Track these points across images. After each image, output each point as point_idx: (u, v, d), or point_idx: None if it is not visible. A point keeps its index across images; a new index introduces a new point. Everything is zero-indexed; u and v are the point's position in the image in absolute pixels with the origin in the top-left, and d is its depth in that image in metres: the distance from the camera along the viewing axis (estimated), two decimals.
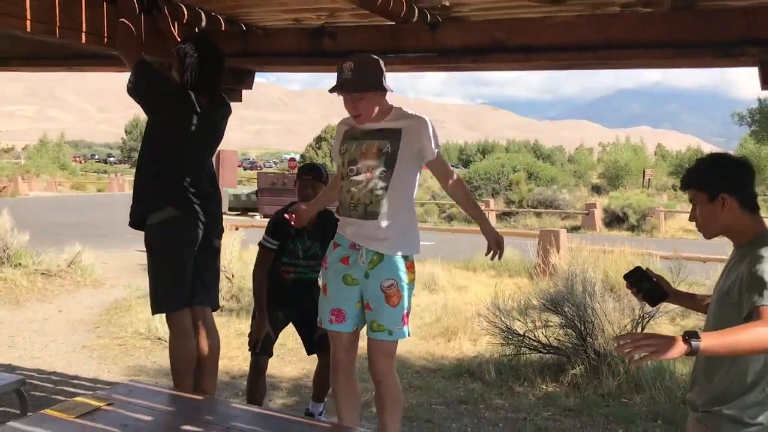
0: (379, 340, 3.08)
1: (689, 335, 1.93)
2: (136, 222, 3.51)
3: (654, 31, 3.03)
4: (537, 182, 30.94)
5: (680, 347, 1.91)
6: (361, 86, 2.98)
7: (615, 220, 23.66)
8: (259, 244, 4.13)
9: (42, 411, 2.82)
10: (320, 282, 3.35)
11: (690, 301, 2.62)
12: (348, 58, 3.03)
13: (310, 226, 3.82)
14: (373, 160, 3.01)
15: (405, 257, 3.11)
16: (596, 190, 38.52)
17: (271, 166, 71.36)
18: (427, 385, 5.58)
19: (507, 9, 3.48)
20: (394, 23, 3.57)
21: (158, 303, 3.49)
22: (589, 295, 5.79)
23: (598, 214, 23.03)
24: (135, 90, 3.39)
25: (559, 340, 5.94)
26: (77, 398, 2.94)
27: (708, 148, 49.90)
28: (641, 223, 22.92)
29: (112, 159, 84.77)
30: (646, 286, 2.50)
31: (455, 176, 3.26)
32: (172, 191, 3.40)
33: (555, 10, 3.39)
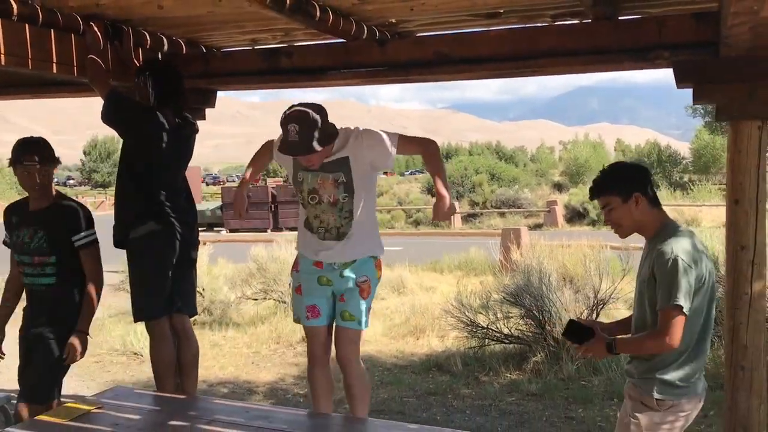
0: (350, 329, 3.35)
1: (609, 346, 2.62)
2: (119, 241, 3.73)
3: (578, 40, 3.35)
4: (500, 183, 31.52)
5: (605, 353, 2.68)
6: (311, 147, 3.07)
7: (576, 216, 24.24)
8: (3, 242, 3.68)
9: (35, 417, 3.03)
10: (292, 285, 3.59)
11: (624, 327, 2.91)
12: (290, 118, 3.08)
13: (40, 206, 3.47)
14: (332, 189, 3.25)
15: (374, 257, 3.42)
16: (558, 188, 39.26)
17: (234, 180, 71.06)
18: (397, 380, 5.86)
19: (449, 23, 3.78)
20: (345, 41, 3.84)
21: (140, 311, 3.70)
22: (546, 286, 6.12)
23: (560, 211, 23.61)
24: (108, 117, 3.62)
25: (520, 330, 6.28)
26: (67, 404, 3.15)
27: (665, 141, 51.15)
28: (601, 217, 23.52)
29: (71, 182, 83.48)
30: (580, 334, 2.76)
31: (426, 145, 3.33)
32: (151, 207, 3.63)
33: (491, 23, 3.70)
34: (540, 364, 5.85)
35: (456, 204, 26.69)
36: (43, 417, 2.99)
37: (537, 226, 22.60)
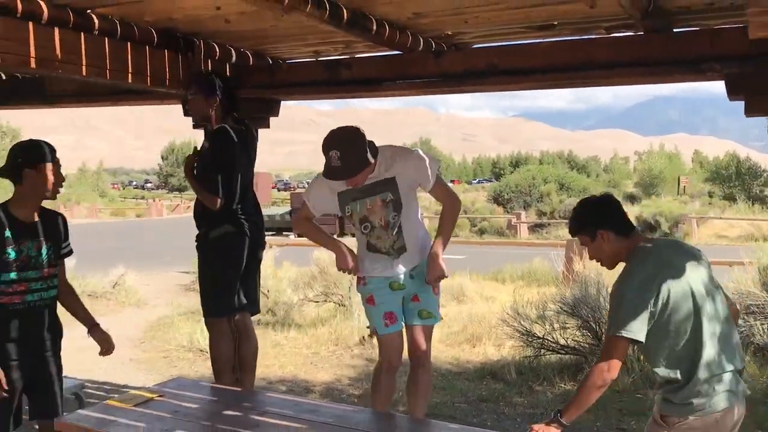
0: (429, 326, 3.56)
1: (555, 415, 2.56)
2: (199, 239, 3.99)
3: (630, 52, 3.40)
4: (569, 193, 31.09)
5: (553, 429, 2.53)
6: (353, 171, 3.22)
7: (647, 228, 23.68)
8: None
9: (104, 402, 3.27)
10: (362, 298, 3.71)
11: None
12: (331, 144, 3.20)
13: (36, 219, 3.13)
14: (382, 211, 3.41)
15: None
16: (630, 199, 38.43)
17: (304, 186, 72.40)
18: (450, 386, 5.93)
19: (504, 35, 3.88)
20: (402, 52, 3.98)
21: (212, 308, 3.92)
22: (604, 298, 6.08)
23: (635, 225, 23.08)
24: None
25: (576, 341, 6.25)
26: (133, 391, 3.38)
27: (746, 153, 49.26)
28: (673, 230, 22.93)
29: (149, 185, 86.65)
30: None
31: (454, 198, 3.54)
32: (227, 210, 3.89)
33: (545, 35, 3.77)
34: None
35: (522, 213, 26.47)
36: (111, 402, 3.23)
37: None
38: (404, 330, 3.61)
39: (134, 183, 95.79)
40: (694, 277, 2.56)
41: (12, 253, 3.01)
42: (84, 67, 3.53)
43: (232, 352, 3.96)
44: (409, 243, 3.46)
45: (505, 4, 3.26)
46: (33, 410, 3.28)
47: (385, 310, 3.51)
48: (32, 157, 3.04)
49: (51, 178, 3.06)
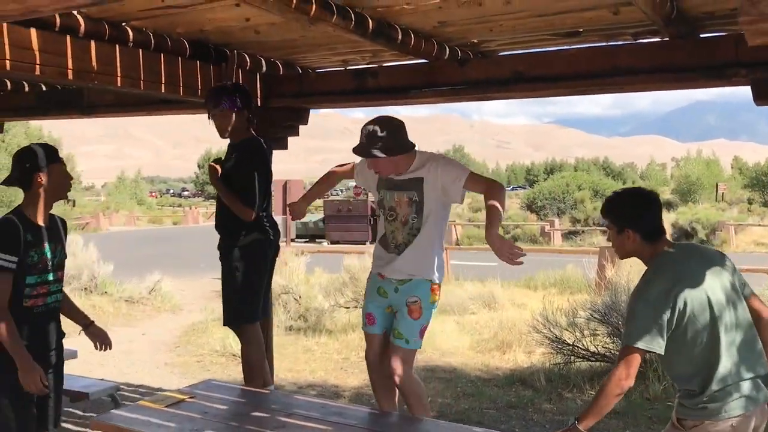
0: (397, 346, 3.49)
1: (572, 427, 2.58)
2: (228, 248, 4.01)
3: (654, 57, 3.40)
4: (604, 200, 30.72)
5: None
6: (370, 153, 3.30)
7: (684, 235, 23.31)
8: None
9: (137, 402, 3.36)
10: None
11: None
12: (365, 127, 3.32)
13: (47, 223, 3.14)
14: (406, 208, 3.47)
15: (430, 281, 3.50)
16: (667, 206, 37.85)
17: (337, 194, 72.59)
18: (479, 392, 5.94)
19: (530, 42, 3.90)
20: (427, 61, 4.03)
21: (244, 314, 3.98)
22: None
23: (666, 231, 22.73)
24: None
25: (606, 348, 6.21)
26: (165, 393, 3.47)
27: None
28: (710, 237, 22.54)
29: (186, 193, 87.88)
30: None
31: (492, 183, 3.46)
32: (255, 220, 3.92)
33: (572, 42, 3.79)
34: None
35: (556, 220, 26.25)
36: (143, 402, 3.33)
37: None
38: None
39: (171, 191, 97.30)
40: (714, 285, 2.56)
41: (35, 256, 3.03)
42: (119, 78, 3.65)
43: (264, 358, 4.05)
44: (411, 250, 3.45)
45: (528, 12, 3.29)
46: (46, 422, 3.20)
47: (367, 310, 3.63)
48: (41, 161, 3.03)
49: (63, 178, 3.10)
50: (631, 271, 7.15)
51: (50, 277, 3.12)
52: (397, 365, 3.46)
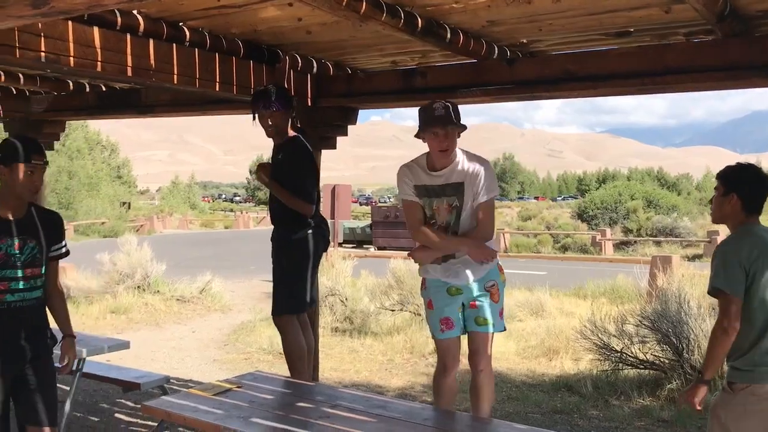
0: (484, 333, 3.55)
1: (698, 377, 2.86)
2: (285, 242, 4.14)
3: (706, 56, 3.35)
4: (657, 210, 30.08)
5: (703, 387, 2.80)
6: (456, 121, 3.44)
7: None
8: None
9: (186, 390, 3.46)
10: (424, 300, 3.80)
11: None
12: (435, 102, 3.48)
13: (19, 218, 2.96)
14: (446, 215, 3.54)
15: (496, 264, 3.62)
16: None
17: (385, 201, 72.97)
18: (525, 397, 5.89)
19: (579, 42, 3.89)
20: (476, 60, 4.05)
21: (293, 304, 4.08)
22: (685, 313, 5.92)
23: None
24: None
25: (656, 356, 6.09)
26: (213, 382, 3.56)
27: None
28: None
29: (237, 198, 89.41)
30: None
31: (485, 227, 3.53)
32: (301, 220, 4.06)
33: (622, 42, 3.76)
34: (675, 391, 5.65)
35: (608, 230, 25.77)
36: (192, 390, 3.42)
37: (696, 257, 21.35)
38: (465, 336, 3.67)
39: (224, 196, 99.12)
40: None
41: None
42: (175, 76, 3.77)
43: (305, 348, 4.13)
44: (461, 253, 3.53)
45: (577, 11, 3.29)
46: (20, 416, 3.02)
47: (441, 315, 3.59)
48: (5, 157, 2.90)
49: (25, 179, 2.88)
50: (683, 280, 7.00)
51: (14, 273, 2.89)
52: (484, 352, 3.55)
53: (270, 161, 4.29)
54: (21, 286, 2.91)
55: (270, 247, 4.24)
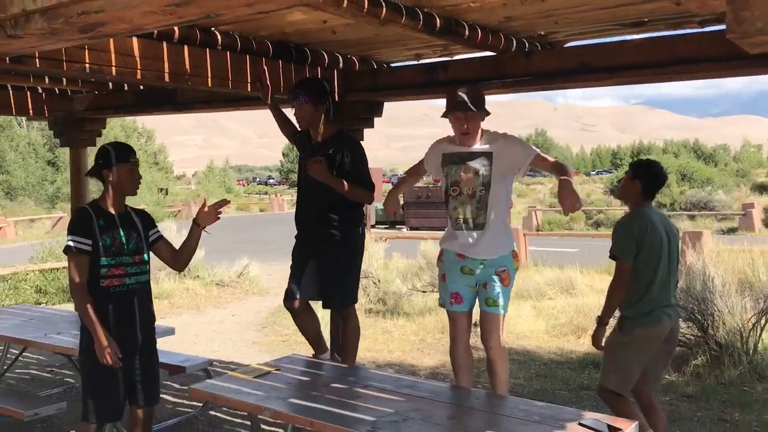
0: (493, 313, 3.76)
1: (598, 321, 3.91)
2: (346, 236, 4.21)
3: (717, 46, 3.46)
4: (691, 184, 29.76)
5: (602, 330, 3.90)
6: (475, 105, 3.64)
7: None
8: (66, 249, 3.32)
9: (228, 374, 3.72)
10: (438, 273, 4.03)
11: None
12: (458, 89, 3.71)
13: (120, 212, 3.45)
14: (473, 182, 3.70)
15: (512, 250, 3.82)
16: (760, 189, 36.19)
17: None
18: (552, 374, 6.08)
19: (596, 33, 4.02)
20: (495, 54, 4.20)
21: (353, 296, 4.29)
22: (710, 290, 6.02)
23: (757, 215, 21.86)
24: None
25: (681, 333, 6.19)
26: (253, 365, 3.82)
27: None
28: None
29: (272, 181, 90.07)
30: None
31: (563, 164, 3.66)
32: (361, 211, 4.27)
33: (638, 31, 3.88)
34: (700, 367, 5.79)
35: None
36: (234, 374, 3.67)
37: (731, 230, 21.15)
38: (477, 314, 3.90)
39: (258, 179, 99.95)
40: (665, 239, 3.68)
41: (107, 240, 3.32)
42: (209, 79, 4.00)
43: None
44: (490, 228, 3.70)
45: (590, 5, 3.41)
46: (136, 397, 3.47)
47: (452, 289, 3.83)
48: (110, 161, 3.35)
49: (128, 177, 3.36)
50: (711, 256, 7.08)
51: (126, 259, 3.38)
52: (494, 331, 3.76)
53: (319, 157, 4.04)
54: (133, 271, 3.41)
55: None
